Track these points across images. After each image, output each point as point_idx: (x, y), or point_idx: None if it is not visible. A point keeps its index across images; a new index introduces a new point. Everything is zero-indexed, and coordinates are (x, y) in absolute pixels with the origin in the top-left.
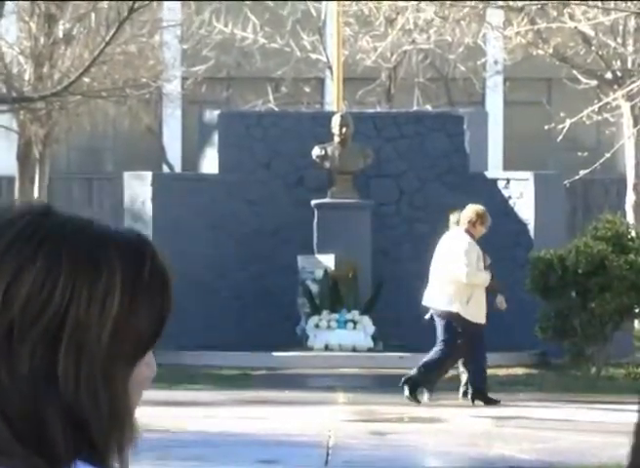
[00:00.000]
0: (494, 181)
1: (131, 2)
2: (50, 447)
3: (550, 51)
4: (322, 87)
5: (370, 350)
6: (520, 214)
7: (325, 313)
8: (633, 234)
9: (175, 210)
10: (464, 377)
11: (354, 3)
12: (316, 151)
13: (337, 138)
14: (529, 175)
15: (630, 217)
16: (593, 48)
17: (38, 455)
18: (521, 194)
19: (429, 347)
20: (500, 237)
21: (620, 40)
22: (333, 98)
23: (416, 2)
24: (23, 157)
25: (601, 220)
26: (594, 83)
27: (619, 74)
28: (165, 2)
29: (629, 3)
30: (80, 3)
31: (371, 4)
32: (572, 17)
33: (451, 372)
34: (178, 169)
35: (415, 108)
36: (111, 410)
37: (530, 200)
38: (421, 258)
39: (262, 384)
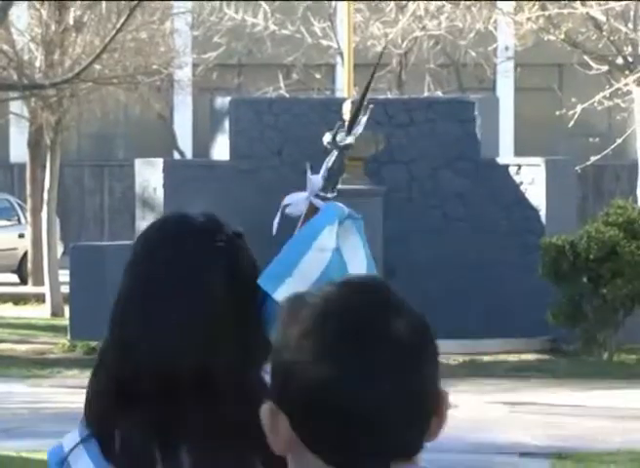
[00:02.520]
0: (505, 167)
1: None
2: None
3: (561, 36)
4: (333, 73)
5: None
6: (531, 199)
7: None
8: None
9: (186, 196)
10: None
11: None
12: (327, 137)
13: (347, 124)
14: (540, 160)
15: None
16: (604, 33)
17: None
18: (532, 180)
19: (441, 333)
20: (512, 223)
21: (631, 25)
22: (344, 85)
23: None
24: (34, 144)
25: (612, 206)
26: (605, 68)
27: (630, 59)
28: None
29: None
30: None
31: None
32: (583, 2)
33: (462, 358)
34: (189, 155)
35: (425, 94)
36: None
37: (541, 186)
38: (433, 245)
39: None
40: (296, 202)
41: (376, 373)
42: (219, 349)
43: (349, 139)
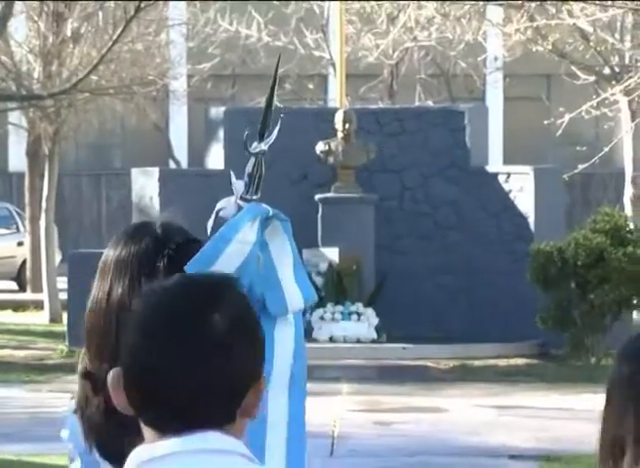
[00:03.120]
0: (494, 175)
1: (137, 1)
2: None
3: (549, 47)
4: (325, 83)
5: (373, 341)
6: (520, 207)
7: (329, 305)
8: (631, 227)
9: (182, 205)
10: None
11: (356, 1)
12: (320, 147)
13: (340, 134)
14: (529, 169)
15: (628, 210)
16: (591, 44)
17: None
18: (521, 188)
19: (431, 339)
20: (501, 230)
21: (617, 36)
22: (336, 95)
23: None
24: (33, 154)
25: (600, 213)
26: (592, 78)
27: (616, 70)
28: (171, 1)
29: (627, 0)
30: (87, 2)
31: (373, 2)
32: (570, 13)
33: (452, 363)
34: (184, 164)
35: (416, 104)
36: None
37: (530, 194)
38: (424, 252)
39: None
40: (226, 205)
41: (189, 359)
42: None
43: (262, 146)
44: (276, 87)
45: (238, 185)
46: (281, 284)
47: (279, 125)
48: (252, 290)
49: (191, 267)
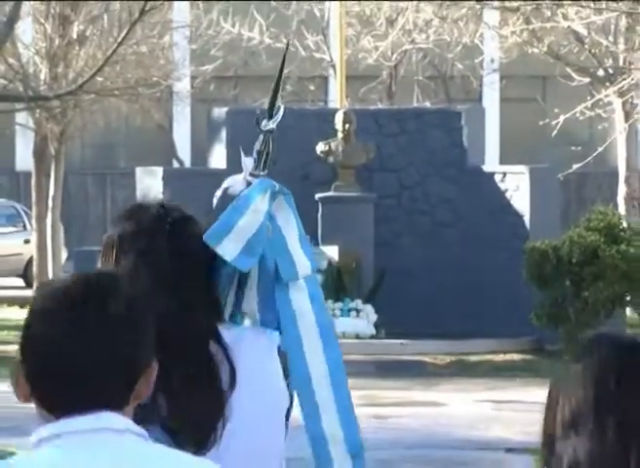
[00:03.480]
0: (491, 175)
1: (142, 4)
2: None
3: (545, 49)
4: (326, 85)
5: (372, 337)
6: (516, 206)
7: (329, 302)
8: (625, 225)
9: (186, 204)
10: None
11: (356, 4)
12: (320, 147)
13: (340, 134)
14: (524, 168)
15: (622, 209)
16: (586, 46)
17: None
18: (517, 187)
19: (429, 335)
20: (498, 229)
21: (611, 39)
22: (336, 96)
23: (415, 3)
24: (40, 153)
25: (594, 212)
26: (587, 80)
27: (610, 71)
28: (175, 4)
29: (620, 3)
30: (93, 5)
31: (372, 5)
32: (565, 16)
33: (449, 358)
34: (187, 164)
35: (414, 105)
36: None
37: (525, 193)
38: (422, 249)
39: None
40: (235, 182)
41: (85, 345)
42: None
43: (271, 124)
44: (284, 69)
45: (248, 162)
46: (290, 252)
47: (283, 107)
48: (265, 256)
49: (209, 237)
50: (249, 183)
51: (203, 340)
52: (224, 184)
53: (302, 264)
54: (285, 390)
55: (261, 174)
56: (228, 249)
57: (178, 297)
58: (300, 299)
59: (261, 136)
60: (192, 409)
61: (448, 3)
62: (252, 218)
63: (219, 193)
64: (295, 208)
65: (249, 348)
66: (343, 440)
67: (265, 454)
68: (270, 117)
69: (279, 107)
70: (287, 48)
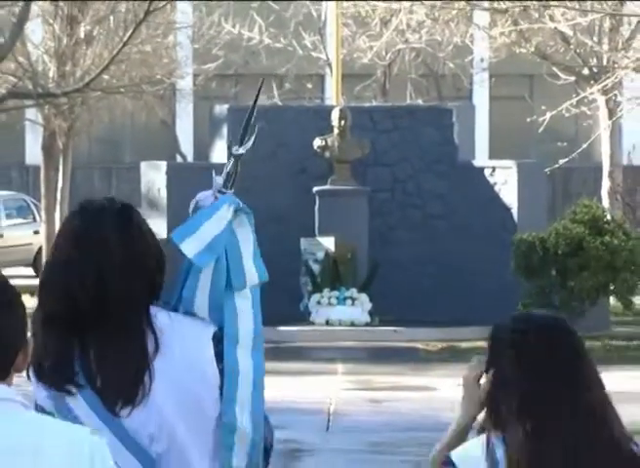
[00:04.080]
0: (480, 169)
1: (146, 5)
2: None
3: (532, 49)
4: (322, 83)
5: (367, 324)
6: (505, 199)
7: (326, 291)
8: (608, 218)
9: (188, 196)
10: None
11: (352, 5)
12: (317, 142)
13: (336, 130)
14: (512, 163)
15: (606, 202)
16: (572, 46)
17: None
18: (505, 181)
19: (421, 322)
20: (487, 221)
21: (596, 39)
22: (332, 94)
23: (408, 4)
24: (48, 148)
25: (579, 205)
26: (572, 79)
27: (595, 70)
28: (178, 5)
29: (604, 5)
30: (100, 6)
31: (367, 6)
32: (552, 18)
33: (441, 344)
34: (190, 158)
35: (407, 102)
36: None
37: (513, 187)
38: (414, 241)
39: (269, 356)
40: (205, 197)
41: None
42: (108, 286)
43: (241, 150)
44: (257, 104)
45: (218, 180)
46: (243, 264)
47: (256, 132)
48: (221, 263)
49: (177, 235)
50: (216, 198)
51: (136, 316)
52: (196, 198)
53: (251, 276)
54: (215, 369)
55: (228, 192)
56: (190, 247)
57: (125, 280)
58: (244, 305)
59: (232, 160)
60: (119, 369)
61: (440, 4)
62: (216, 223)
63: (191, 206)
64: (253, 225)
65: (187, 329)
66: (249, 434)
67: (198, 406)
68: (241, 143)
69: (251, 136)
70: (261, 85)
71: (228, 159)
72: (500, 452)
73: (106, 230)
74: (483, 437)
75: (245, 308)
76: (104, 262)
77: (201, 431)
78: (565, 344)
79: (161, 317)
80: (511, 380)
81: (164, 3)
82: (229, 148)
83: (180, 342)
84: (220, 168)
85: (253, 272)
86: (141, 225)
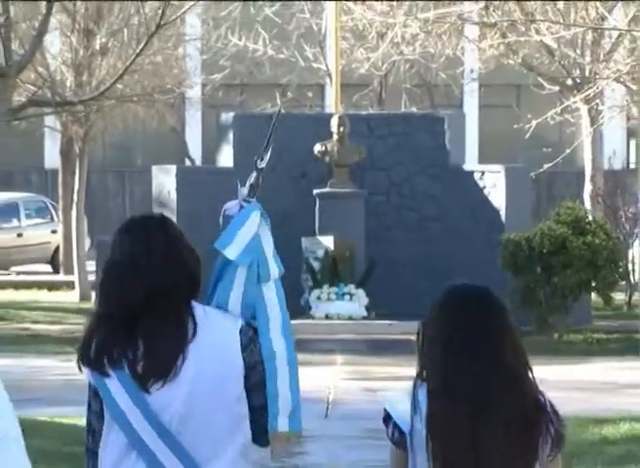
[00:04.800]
0: (470, 173)
1: (158, 19)
2: None
3: (519, 61)
4: (322, 92)
5: (364, 318)
6: (493, 201)
7: (325, 287)
8: (590, 219)
9: (196, 198)
10: None
11: (350, 19)
12: (317, 147)
13: (335, 137)
14: (500, 168)
15: (588, 205)
16: (556, 58)
17: None
18: (494, 184)
19: (414, 316)
20: (477, 221)
21: (579, 51)
22: (332, 102)
23: (403, 18)
24: (66, 153)
25: (562, 207)
26: (557, 88)
27: (578, 81)
28: (187, 18)
29: (587, 19)
30: (114, 20)
31: (364, 20)
32: (537, 31)
33: None
34: (198, 163)
35: (402, 110)
36: None
37: (501, 189)
38: (408, 240)
39: None
40: (231, 206)
41: None
42: (156, 286)
43: (262, 165)
44: (276, 128)
45: (243, 191)
46: (267, 261)
47: (270, 151)
48: (252, 265)
49: (219, 243)
50: (242, 207)
51: (179, 308)
52: (224, 207)
53: (274, 270)
54: (240, 358)
55: (252, 200)
56: (232, 251)
57: (170, 280)
58: (270, 295)
59: (255, 173)
60: (160, 351)
61: (432, 19)
62: (248, 229)
63: (221, 214)
64: (270, 228)
65: (218, 322)
66: (290, 401)
67: (221, 389)
68: (262, 159)
69: (269, 151)
70: (278, 113)
71: (252, 172)
72: (422, 398)
73: (154, 241)
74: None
75: (271, 297)
76: (152, 267)
77: (221, 410)
78: (488, 309)
79: (197, 310)
80: (436, 336)
81: (174, 17)
82: (255, 164)
83: (210, 333)
84: (225, 171)
85: (274, 267)
86: (181, 236)
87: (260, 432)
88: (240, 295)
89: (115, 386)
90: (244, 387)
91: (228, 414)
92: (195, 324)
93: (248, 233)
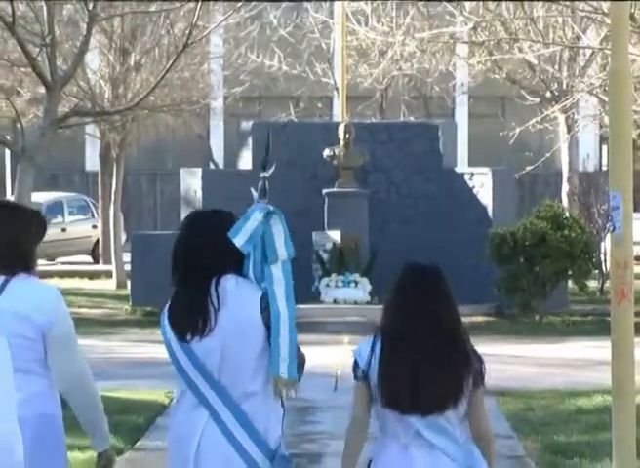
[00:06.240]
0: (461, 175)
1: (185, 39)
2: None
3: (504, 75)
4: (330, 103)
5: (368, 303)
6: (481, 200)
7: (333, 275)
8: (567, 215)
9: (219, 197)
10: None
11: (355, 39)
12: (326, 152)
13: (342, 142)
14: (488, 170)
15: (565, 202)
16: (536, 73)
17: None
18: (482, 185)
19: None
20: (466, 217)
21: (557, 67)
22: (339, 112)
23: (402, 38)
24: (104, 157)
25: (542, 204)
26: (537, 100)
27: (556, 93)
28: (211, 38)
29: (564, 39)
30: (147, 39)
31: (367, 40)
32: (520, 49)
33: None
34: (221, 166)
35: (401, 119)
36: None
37: (488, 189)
38: (406, 234)
39: None
40: (250, 206)
41: None
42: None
43: (265, 174)
44: (270, 149)
45: (254, 194)
46: (275, 246)
47: (274, 165)
48: (257, 245)
49: (231, 233)
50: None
51: (208, 278)
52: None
53: (282, 253)
54: (260, 319)
55: (263, 201)
56: (238, 240)
57: (217, 257)
58: (277, 273)
59: (262, 181)
60: (197, 310)
61: (427, 38)
62: (250, 224)
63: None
64: (284, 221)
65: (245, 291)
66: (288, 344)
67: (247, 340)
68: (264, 169)
69: (272, 165)
70: (268, 142)
71: (260, 180)
72: (377, 346)
73: (210, 227)
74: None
75: (278, 275)
76: (208, 248)
77: (247, 355)
78: (433, 279)
79: (232, 281)
80: (391, 299)
81: (200, 37)
82: (262, 172)
83: (239, 298)
84: (244, 173)
85: (283, 251)
86: (222, 228)
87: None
88: (251, 272)
89: (170, 336)
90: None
91: (254, 360)
92: (228, 291)
93: (249, 228)
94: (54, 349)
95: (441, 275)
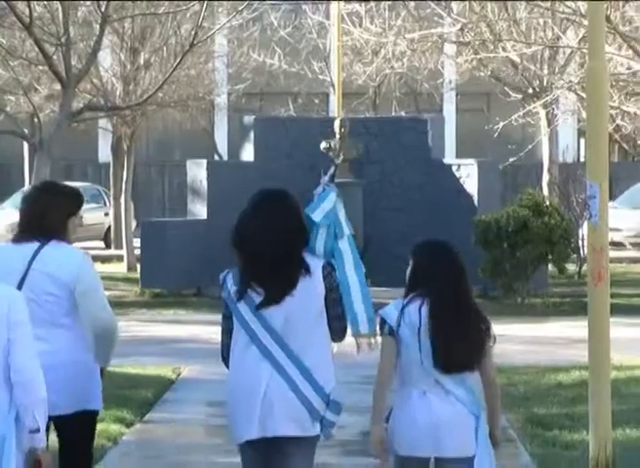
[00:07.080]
0: (449, 166)
1: (192, 39)
2: None
3: (489, 73)
4: (327, 99)
5: None
6: (468, 189)
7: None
8: (547, 203)
9: (223, 187)
10: None
11: (350, 39)
12: (323, 145)
13: (337, 136)
14: (474, 161)
15: (545, 191)
16: (519, 71)
17: None
18: (468, 175)
19: (404, 282)
20: (454, 206)
21: (538, 65)
22: (334, 107)
23: (393, 38)
24: (116, 149)
25: (525, 193)
26: (520, 96)
27: (537, 90)
28: (216, 38)
29: (545, 39)
30: (155, 39)
31: (361, 40)
32: (504, 49)
33: None
34: (225, 157)
35: (393, 114)
36: None
37: (474, 179)
38: (398, 222)
39: None
40: (318, 189)
41: None
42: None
43: (338, 161)
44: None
45: (325, 178)
46: (342, 223)
47: (334, 168)
48: (330, 225)
49: (309, 209)
50: (324, 189)
51: (294, 254)
52: (315, 191)
53: (346, 229)
54: (322, 287)
55: (331, 184)
56: (316, 215)
57: (292, 236)
58: (345, 246)
59: (333, 167)
60: (272, 284)
61: (417, 38)
62: (328, 202)
63: (315, 196)
64: (342, 201)
65: (309, 263)
66: (364, 312)
67: (308, 304)
68: (337, 156)
69: (341, 155)
70: (341, 133)
71: (331, 166)
72: (412, 309)
73: (280, 206)
74: (400, 300)
75: (345, 248)
76: (280, 228)
77: (309, 318)
78: (451, 255)
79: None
80: (419, 268)
81: (205, 37)
82: (332, 160)
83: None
84: (246, 164)
85: (347, 228)
86: (299, 207)
87: (336, 333)
88: (322, 245)
89: (243, 306)
90: (324, 303)
91: (314, 321)
92: (304, 266)
93: (327, 205)
94: (82, 301)
95: (459, 254)
